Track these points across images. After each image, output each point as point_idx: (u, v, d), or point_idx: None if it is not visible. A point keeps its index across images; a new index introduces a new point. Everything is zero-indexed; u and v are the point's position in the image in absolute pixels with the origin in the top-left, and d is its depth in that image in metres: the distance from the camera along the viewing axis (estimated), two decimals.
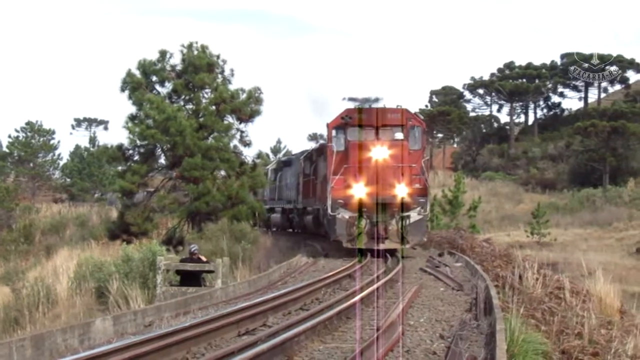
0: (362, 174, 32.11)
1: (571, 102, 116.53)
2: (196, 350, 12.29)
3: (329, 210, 32.63)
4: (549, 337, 15.36)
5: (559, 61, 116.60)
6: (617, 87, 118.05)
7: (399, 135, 33.33)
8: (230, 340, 13.15)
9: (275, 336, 12.48)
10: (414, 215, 32.52)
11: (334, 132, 34.09)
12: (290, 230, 50.74)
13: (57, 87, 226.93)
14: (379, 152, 31.79)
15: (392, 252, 31.44)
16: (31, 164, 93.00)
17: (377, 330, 12.78)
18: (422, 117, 37.24)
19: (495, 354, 11.07)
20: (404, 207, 32.16)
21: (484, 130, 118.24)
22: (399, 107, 34.30)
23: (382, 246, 31.32)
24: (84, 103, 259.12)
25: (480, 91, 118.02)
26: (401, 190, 31.82)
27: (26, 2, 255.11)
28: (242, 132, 44.79)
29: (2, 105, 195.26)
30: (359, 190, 31.85)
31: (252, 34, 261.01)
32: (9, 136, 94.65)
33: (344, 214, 32.24)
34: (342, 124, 33.83)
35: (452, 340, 13.38)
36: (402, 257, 29.46)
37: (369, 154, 31.95)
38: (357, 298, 17.13)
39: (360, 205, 31.92)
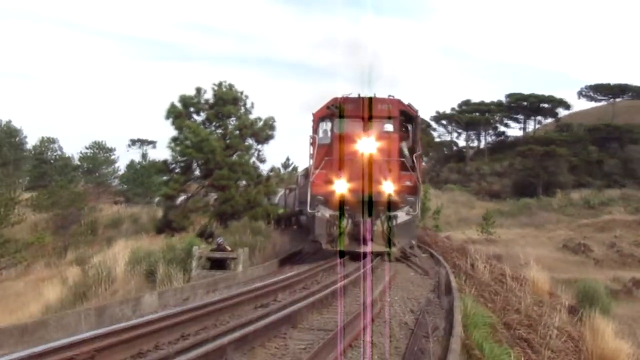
0: (345, 168, 24.32)
1: (513, 131, 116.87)
2: (222, 319, 12.29)
3: (308, 208, 25.40)
4: (494, 312, 15.38)
5: (504, 99, 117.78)
6: (549, 120, 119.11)
7: (389, 128, 25.40)
8: (249, 312, 13.14)
9: (283, 309, 12.48)
10: (401, 215, 24.56)
11: (319, 123, 26.17)
12: None
13: (117, 115, 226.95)
14: (366, 145, 24.20)
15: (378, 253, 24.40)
16: (96, 174, 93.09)
17: (363, 305, 12.77)
18: (416, 108, 26.97)
19: (453, 324, 11.07)
20: (391, 205, 24.33)
21: (446, 152, 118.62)
22: (390, 97, 25.81)
23: (365, 249, 23.26)
24: (137, 127, 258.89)
25: (444, 122, 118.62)
26: (388, 187, 24.13)
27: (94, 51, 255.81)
28: (259, 151, 44.82)
29: (75, 128, 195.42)
30: (341, 186, 24.13)
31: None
32: (80, 152, 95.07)
33: (324, 212, 24.74)
34: (328, 114, 25.82)
35: (420, 313, 13.37)
36: (389, 261, 23.95)
37: (354, 146, 24.34)
38: (340, 284, 17.09)
39: (342, 202, 24.17)
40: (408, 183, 25.07)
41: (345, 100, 25.43)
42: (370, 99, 25.10)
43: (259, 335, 10.27)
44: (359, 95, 25.49)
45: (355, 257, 23.03)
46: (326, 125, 26.30)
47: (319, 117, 26.03)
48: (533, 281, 23.44)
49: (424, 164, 31.60)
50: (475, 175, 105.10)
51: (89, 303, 23.95)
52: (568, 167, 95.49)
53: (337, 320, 12.10)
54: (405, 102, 26.26)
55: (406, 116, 26.42)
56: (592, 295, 22.50)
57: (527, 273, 24.91)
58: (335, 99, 25.62)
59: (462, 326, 11.19)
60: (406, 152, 25.72)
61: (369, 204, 23.83)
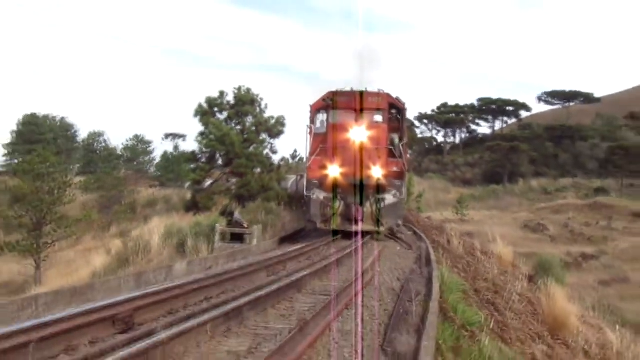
0: (338, 155, 22.85)
1: (483, 129, 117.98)
2: (240, 284, 12.28)
3: (304, 191, 24.39)
4: (467, 280, 15.37)
5: (475, 103, 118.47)
6: (513, 120, 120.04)
7: (379, 118, 24.09)
8: (262, 278, 13.14)
9: (291, 276, 12.48)
10: (389, 198, 23.24)
11: (315, 114, 24.49)
12: None
13: (154, 112, 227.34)
14: (357, 134, 22.66)
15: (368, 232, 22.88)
16: (136, 162, 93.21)
17: (356, 274, 12.77)
18: (403, 101, 25.38)
19: (432, 290, 11.06)
20: (379, 189, 22.99)
21: (427, 147, 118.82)
22: (380, 91, 24.35)
23: (356, 228, 21.98)
24: (170, 123, 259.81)
25: (425, 121, 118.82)
26: (377, 172, 22.69)
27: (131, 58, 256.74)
28: (271, 144, 44.97)
29: (119, 124, 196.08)
30: (334, 171, 22.73)
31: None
32: (122, 144, 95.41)
33: (319, 195, 23.32)
34: (324, 106, 24.20)
35: (405, 281, 13.36)
36: (377, 240, 22.36)
37: (346, 135, 22.78)
38: (337, 256, 17.07)
39: (335, 185, 22.91)
40: (395, 169, 23.65)
41: (339, 93, 23.92)
42: (361, 92, 23.63)
43: (271, 298, 10.28)
44: (351, 89, 24.01)
45: (350, 234, 22.04)
46: (322, 116, 24.56)
47: (316, 109, 24.50)
48: (499, 255, 23.47)
49: (409, 155, 29.62)
50: (451, 166, 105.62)
51: (129, 270, 23.92)
52: (529, 160, 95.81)
53: (336, 287, 12.10)
54: (394, 95, 24.90)
55: (394, 108, 24.97)
56: (548, 267, 22.54)
57: (494, 248, 24.93)
58: (330, 92, 24.04)
59: (439, 292, 11.17)
60: (396, 140, 24.26)
61: (360, 188, 22.63)
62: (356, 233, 21.18)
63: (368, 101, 23.55)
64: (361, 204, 22.74)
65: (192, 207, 42.69)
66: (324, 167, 23.11)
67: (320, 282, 13.00)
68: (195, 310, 9.21)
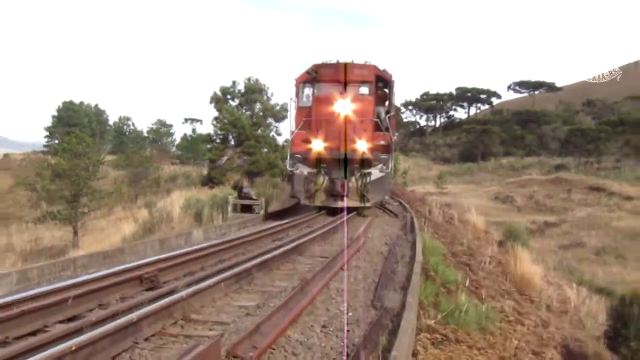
0: (322, 128, 19.34)
1: (460, 114, 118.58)
2: (249, 249, 12.30)
3: (287, 166, 20.96)
4: (445, 244, 15.35)
5: (454, 91, 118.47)
6: (486, 106, 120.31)
7: (365, 91, 20.29)
8: (268, 244, 13.14)
9: (293, 242, 12.48)
10: (375, 173, 19.80)
11: (300, 87, 20.68)
12: None
13: (175, 100, 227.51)
14: (343, 107, 19.01)
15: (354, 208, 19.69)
16: (159, 143, 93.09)
17: (350, 239, 12.77)
18: (390, 73, 21.30)
19: (416, 253, 11.07)
20: (364, 163, 19.60)
21: (411, 129, 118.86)
22: (367, 62, 20.49)
23: (340, 204, 19.20)
24: (189, 109, 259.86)
25: (410, 107, 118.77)
26: (362, 146, 19.22)
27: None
28: (277, 127, 45.33)
29: (145, 109, 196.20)
30: (318, 145, 19.30)
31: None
32: (147, 127, 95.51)
33: (303, 170, 19.92)
34: (309, 79, 20.39)
35: (392, 245, 13.36)
36: (363, 216, 19.75)
37: (331, 108, 19.15)
38: (333, 225, 17.04)
39: (319, 160, 19.62)
40: (382, 142, 20.13)
41: (324, 65, 20.39)
42: (347, 64, 19.99)
43: (276, 260, 10.29)
44: (337, 61, 20.33)
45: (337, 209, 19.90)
46: (308, 90, 20.75)
47: (301, 82, 20.72)
48: (473, 223, 23.45)
49: (396, 137, 26.22)
50: (432, 146, 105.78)
51: (153, 236, 23.92)
52: (499, 141, 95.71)
53: (332, 250, 12.11)
54: (381, 67, 21.09)
55: (381, 80, 21.13)
56: (515, 233, 22.52)
57: (469, 217, 24.91)
58: (315, 65, 20.50)
59: (422, 255, 11.18)
60: (382, 114, 20.63)
61: (344, 162, 19.20)
62: (341, 209, 18.63)
63: (354, 73, 20.11)
64: (345, 178, 19.65)
65: (208, 181, 42.93)
66: (307, 141, 19.80)
67: (318, 246, 13.00)
68: (211, 271, 9.23)
